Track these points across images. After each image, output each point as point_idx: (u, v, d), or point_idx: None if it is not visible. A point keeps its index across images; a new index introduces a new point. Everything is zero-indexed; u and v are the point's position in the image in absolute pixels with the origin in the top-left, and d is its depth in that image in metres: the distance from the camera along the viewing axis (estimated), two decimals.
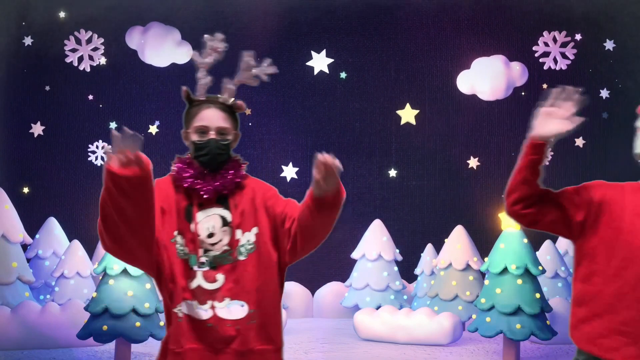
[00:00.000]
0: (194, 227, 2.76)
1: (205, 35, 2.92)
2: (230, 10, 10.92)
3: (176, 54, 10.91)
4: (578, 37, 10.75)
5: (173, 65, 10.93)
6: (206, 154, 2.81)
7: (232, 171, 2.88)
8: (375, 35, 10.96)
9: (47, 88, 10.91)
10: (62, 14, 10.85)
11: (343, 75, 10.96)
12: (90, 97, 10.92)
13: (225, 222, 2.79)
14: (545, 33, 10.77)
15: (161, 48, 10.85)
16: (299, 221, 2.77)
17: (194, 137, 2.83)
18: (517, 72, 10.76)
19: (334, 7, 10.93)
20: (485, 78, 10.70)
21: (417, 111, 10.87)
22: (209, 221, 2.78)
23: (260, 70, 3.13)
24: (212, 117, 2.85)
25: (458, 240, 8.73)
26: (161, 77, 11.02)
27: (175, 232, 2.77)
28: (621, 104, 10.64)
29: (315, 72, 10.97)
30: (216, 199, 2.81)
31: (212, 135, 2.83)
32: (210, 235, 2.77)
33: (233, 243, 2.77)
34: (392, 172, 10.95)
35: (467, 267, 8.59)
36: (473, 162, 10.84)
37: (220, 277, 2.73)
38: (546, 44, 10.77)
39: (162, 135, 10.99)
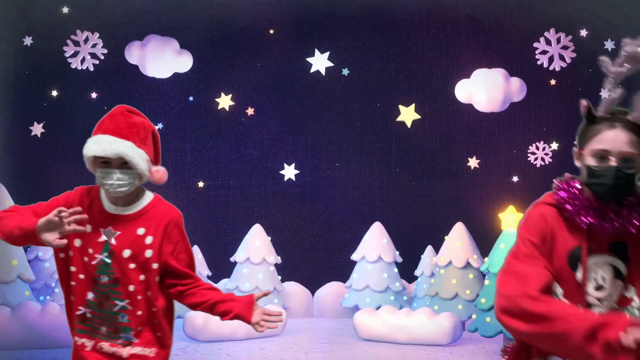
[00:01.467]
0: (580, 276, 2.30)
1: (625, 39, 2.36)
2: (229, 11, 10.91)
3: (177, 63, 10.91)
4: (578, 37, 10.74)
5: (175, 73, 10.96)
6: (602, 184, 2.31)
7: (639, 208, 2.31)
8: (375, 35, 10.95)
9: (47, 88, 10.91)
10: (62, 14, 10.85)
11: (345, 72, 10.96)
12: (94, 95, 10.93)
13: (618, 274, 2.31)
14: (545, 33, 10.76)
15: (162, 60, 10.84)
16: None
17: (590, 162, 2.35)
18: (516, 88, 10.71)
19: (335, 7, 10.93)
20: (483, 89, 10.67)
21: (419, 117, 10.85)
22: (598, 270, 2.32)
23: None
24: (615, 140, 2.34)
25: (458, 237, 8.74)
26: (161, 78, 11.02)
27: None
28: (621, 104, 10.63)
29: (316, 72, 10.96)
30: (609, 244, 2.32)
31: (612, 162, 2.31)
32: (599, 288, 2.31)
33: (623, 301, 2.31)
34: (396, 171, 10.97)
35: (467, 265, 8.60)
36: (473, 162, 10.83)
37: None
38: (545, 47, 10.77)
39: (162, 135, 10.91)
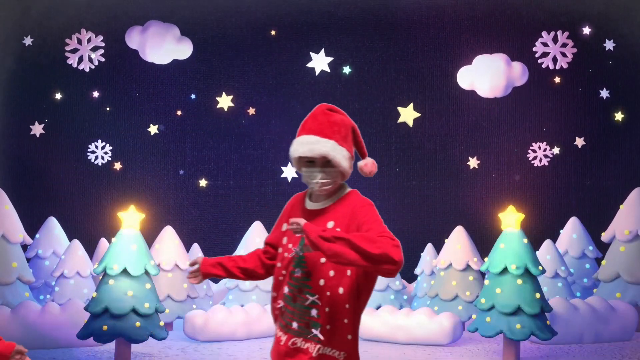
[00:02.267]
0: None
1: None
2: (230, 10, 10.92)
3: (177, 50, 10.94)
4: (578, 36, 10.75)
5: (173, 64, 10.96)
6: None
7: None
8: (375, 35, 10.96)
9: (48, 88, 10.92)
10: (62, 14, 10.84)
11: (346, 72, 10.96)
12: (95, 94, 10.93)
13: None
14: (545, 33, 10.77)
15: (162, 45, 10.87)
16: None
17: None
18: (518, 72, 10.76)
19: (334, 7, 10.93)
20: (486, 75, 10.71)
21: (418, 114, 10.88)
22: None
23: None
24: None
25: (458, 240, 8.73)
26: (161, 77, 11.02)
27: None
28: (621, 104, 10.64)
29: (316, 72, 10.96)
30: None
31: None
32: None
33: None
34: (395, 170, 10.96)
35: (467, 267, 8.59)
36: (473, 162, 10.83)
37: None
38: (546, 44, 10.77)
39: (162, 135, 10.98)
